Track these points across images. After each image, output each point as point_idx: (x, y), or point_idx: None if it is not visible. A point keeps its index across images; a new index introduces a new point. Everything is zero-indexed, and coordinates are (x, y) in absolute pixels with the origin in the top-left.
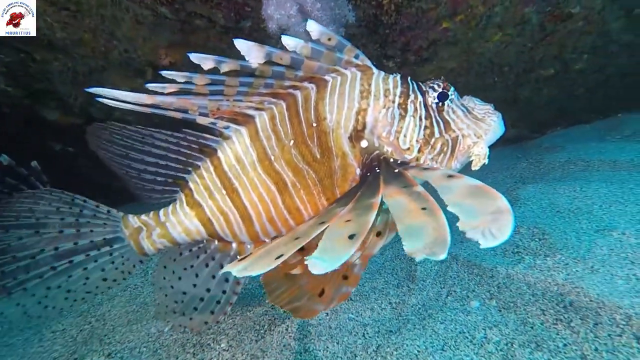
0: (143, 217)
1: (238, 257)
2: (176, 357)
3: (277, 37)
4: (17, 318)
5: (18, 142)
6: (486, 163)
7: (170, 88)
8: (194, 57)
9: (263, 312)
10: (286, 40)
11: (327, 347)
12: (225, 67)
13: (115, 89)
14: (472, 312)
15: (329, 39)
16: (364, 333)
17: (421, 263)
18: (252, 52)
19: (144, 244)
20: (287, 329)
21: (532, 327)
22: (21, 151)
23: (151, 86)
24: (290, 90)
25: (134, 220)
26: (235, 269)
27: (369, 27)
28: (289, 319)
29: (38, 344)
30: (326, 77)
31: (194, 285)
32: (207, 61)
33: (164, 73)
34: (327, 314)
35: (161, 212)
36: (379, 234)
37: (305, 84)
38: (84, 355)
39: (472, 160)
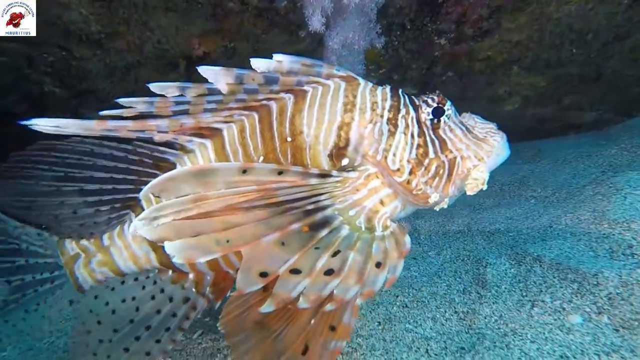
0: (82, 242)
1: (193, 289)
2: None
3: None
4: None
5: None
6: (484, 189)
7: (128, 114)
8: (154, 87)
9: None
10: (256, 63)
11: None
12: (191, 93)
13: (58, 117)
14: (574, 330)
15: (303, 64)
16: (427, 349)
17: (491, 265)
18: (220, 78)
19: (78, 274)
20: None
21: None
22: None
23: (105, 113)
24: (264, 102)
25: (71, 246)
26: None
27: None
28: None
29: None
30: (305, 88)
31: (131, 321)
32: (169, 89)
33: (121, 101)
34: (379, 322)
35: (105, 235)
36: (379, 265)
37: (282, 94)
38: None
39: (467, 184)
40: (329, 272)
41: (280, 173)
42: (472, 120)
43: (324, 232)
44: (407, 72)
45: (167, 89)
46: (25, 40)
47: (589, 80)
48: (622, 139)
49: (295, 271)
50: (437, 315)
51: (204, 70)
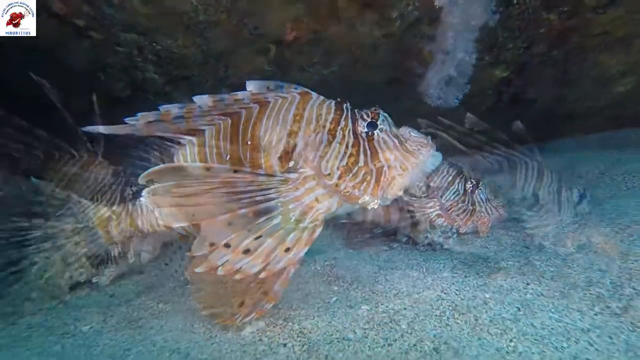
0: (114, 207)
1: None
2: (353, 331)
3: None
4: None
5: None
6: (399, 194)
7: (142, 120)
8: (162, 108)
9: (436, 297)
10: (233, 94)
11: (544, 352)
12: (185, 109)
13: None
14: None
15: (268, 87)
16: (589, 341)
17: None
18: (208, 103)
19: (112, 233)
20: (476, 320)
21: None
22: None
23: (128, 120)
24: (238, 110)
25: (104, 210)
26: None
27: None
28: (474, 307)
29: None
30: (269, 99)
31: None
32: (172, 109)
33: (140, 115)
34: (519, 308)
35: (130, 203)
36: (287, 250)
37: (251, 104)
38: None
39: (390, 189)
40: (246, 252)
41: (235, 172)
42: (408, 133)
43: (262, 219)
44: (502, 52)
45: (171, 109)
46: (140, 31)
47: None
48: None
49: (227, 245)
50: (584, 308)
51: (196, 99)
